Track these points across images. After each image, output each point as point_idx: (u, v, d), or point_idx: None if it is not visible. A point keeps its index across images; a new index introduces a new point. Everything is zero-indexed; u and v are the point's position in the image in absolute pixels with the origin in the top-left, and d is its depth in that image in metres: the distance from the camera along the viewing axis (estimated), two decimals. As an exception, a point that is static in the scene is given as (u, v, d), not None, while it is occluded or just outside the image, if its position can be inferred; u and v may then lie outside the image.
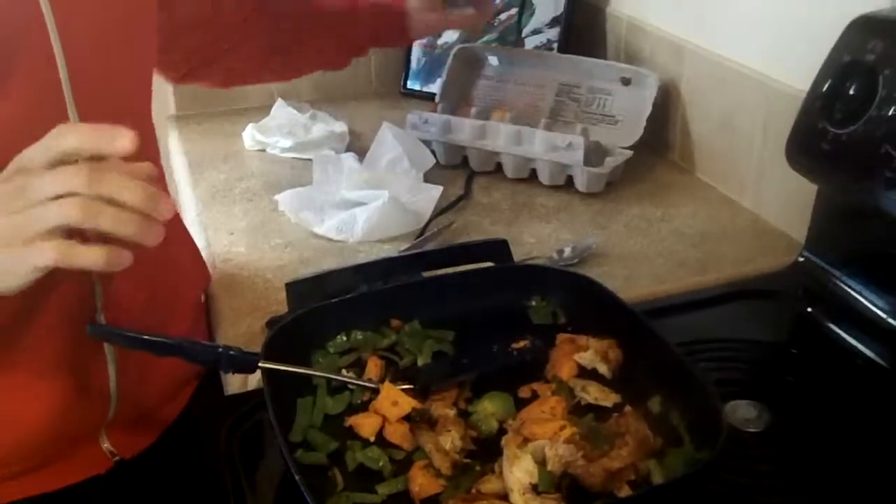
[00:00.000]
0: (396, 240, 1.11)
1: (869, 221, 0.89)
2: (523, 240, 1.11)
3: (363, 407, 0.75)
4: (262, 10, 1.12)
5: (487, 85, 1.45)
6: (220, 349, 0.74)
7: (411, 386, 0.76)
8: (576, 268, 1.02)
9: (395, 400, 0.73)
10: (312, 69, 1.28)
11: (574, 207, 1.20)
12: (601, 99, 1.35)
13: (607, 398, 0.74)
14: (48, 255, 0.58)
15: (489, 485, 0.66)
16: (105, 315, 0.80)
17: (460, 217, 1.18)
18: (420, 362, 0.81)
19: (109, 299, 0.80)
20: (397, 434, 0.71)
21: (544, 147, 1.22)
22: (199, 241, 1.15)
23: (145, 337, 0.72)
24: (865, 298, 0.90)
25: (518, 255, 0.98)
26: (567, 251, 1.06)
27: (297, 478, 0.62)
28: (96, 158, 0.59)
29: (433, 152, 1.30)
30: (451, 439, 0.70)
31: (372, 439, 0.72)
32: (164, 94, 1.51)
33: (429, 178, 1.24)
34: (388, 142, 1.27)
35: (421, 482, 0.66)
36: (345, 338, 0.82)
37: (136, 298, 0.83)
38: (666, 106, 1.31)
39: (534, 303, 0.87)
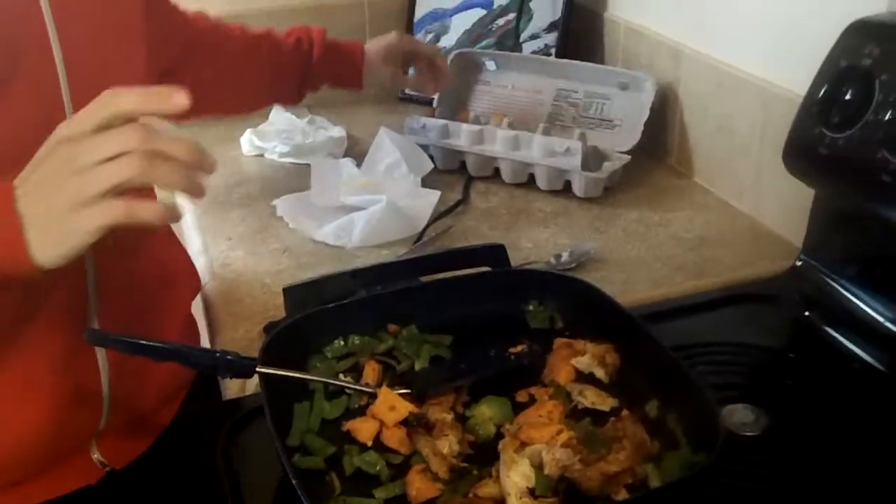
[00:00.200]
0: (394, 245, 1.11)
1: (866, 225, 0.89)
2: (521, 245, 1.11)
3: (360, 411, 0.75)
4: (216, 47, 1.16)
5: (485, 90, 1.45)
6: (218, 354, 0.73)
7: (409, 390, 0.76)
8: (574, 272, 1.02)
9: (392, 404, 0.73)
10: (262, 106, 1.34)
11: (572, 212, 1.20)
12: (599, 104, 1.36)
13: (604, 402, 0.74)
14: (113, 213, 0.60)
15: (486, 489, 0.66)
16: (98, 323, 0.80)
17: (458, 222, 1.18)
18: (417, 367, 0.81)
19: (102, 307, 0.79)
20: (395, 438, 0.71)
21: (542, 152, 1.22)
22: (197, 246, 1.15)
23: (142, 342, 0.71)
24: (863, 302, 0.89)
25: (516, 259, 0.98)
26: (565, 256, 1.06)
27: (294, 482, 0.62)
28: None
29: (431, 157, 1.30)
30: (448, 443, 0.70)
31: (369, 444, 0.71)
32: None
33: (427, 182, 1.25)
34: (386, 147, 1.27)
35: (418, 486, 0.66)
36: (342, 342, 0.82)
37: (129, 306, 0.82)
38: (664, 111, 1.32)
39: (531, 307, 0.87)
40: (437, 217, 1.17)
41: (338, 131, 1.42)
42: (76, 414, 0.80)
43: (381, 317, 0.84)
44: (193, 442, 0.85)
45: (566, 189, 1.24)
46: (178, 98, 0.60)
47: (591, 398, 0.74)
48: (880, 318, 0.87)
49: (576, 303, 0.85)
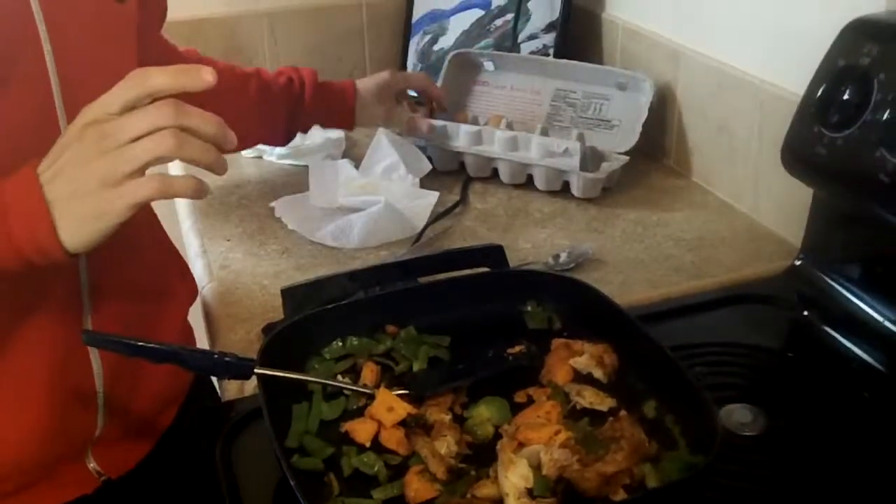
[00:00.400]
0: (393, 246, 1.11)
1: (865, 225, 0.89)
2: (519, 245, 1.11)
3: (359, 413, 0.75)
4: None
5: (483, 91, 1.45)
6: (216, 355, 0.74)
7: (407, 391, 0.76)
8: (572, 273, 1.02)
9: (390, 405, 0.73)
10: (248, 146, 1.32)
11: (570, 213, 1.20)
12: (597, 104, 1.36)
13: (602, 403, 0.74)
14: (147, 189, 0.61)
15: (485, 489, 0.65)
16: (93, 327, 0.79)
17: (456, 223, 1.18)
18: (416, 368, 0.80)
19: (96, 317, 0.79)
20: (393, 439, 0.71)
21: (540, 153, 1.22)
22: (196, 248, 1.15)
23: (139, 343, 0.71)
24: (862, 302, 0.89)
25: (514, 260, 0.98)
26: (563, 256, 1.06)
27: (292, 483, 0.62)
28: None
29: (429, 158, 1.30)
30: (446, 444, 0.70)
31: (368, 445, 0.71)
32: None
33: (425, 184, 1.25)
34: (385, 148, 1.27)
35: (416, 487, 0.66)
36: (340, 344, 0.82)
37: (123, 315, 0.82)
38: (662, 111, 1.32)
39: (529, 308, 0.87)
40: (435, 218, 1.17)
41: (336, 133, 1.41)
42: (70, 421, 0.79)
43: (379, 318, 0.84)
44: (191, 450, 0.85)
45: (564, 190, 1.24)
46: (207, 75, 0.61)
47: (589, 398, 0.74)
48: (879, 318, 0.87)
49: (574, 303, 0.85)
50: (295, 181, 1.29)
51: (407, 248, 1.10)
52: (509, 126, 1.30)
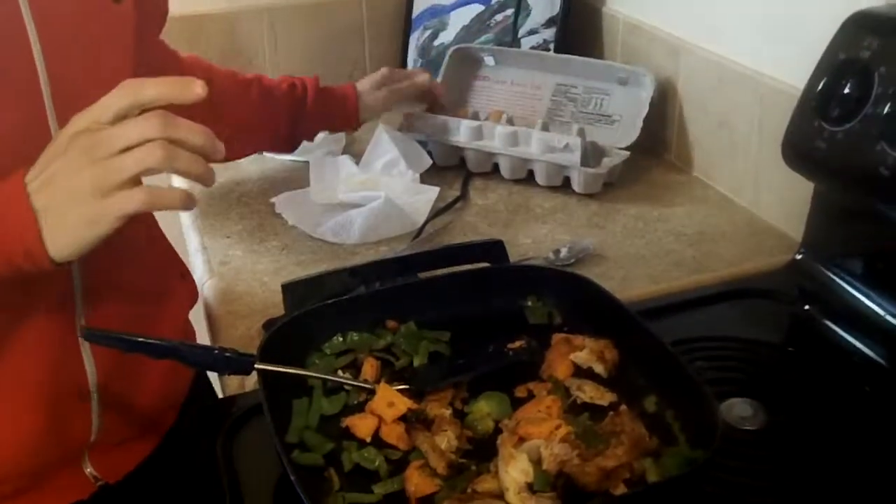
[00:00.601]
0: (393, 241, 1.11)
1: (866, 219, 0.89)
2: (520, 241, 1.11)
3: (359, 408, 0.75)
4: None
5: (484, 86, 1.45)
6: (216, 351, 0.74)
7: (407, 386, 0.75)
8: (572, 268, 1.02)
9: (391, 400, 0.73)
10: (252, 152, 1.30)
11: (571, 208, 1.20)
12: (598, 99, 1.35)
13: (603, 397, 0.74)
14: (135, 200, 0.61)
15: (485, 484, 0.65)
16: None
17: (457, 218, 1.18)
18: (416, 363, 0.80)
19: (91, 316, 0.78)
20: (393, 434, 0.71)
21: (541, 148, 1.22)
22: (196, 245, 1.15)
23: (139, 339, 0.71)
24: (863, 296, 0.89)
25: (515, 255, 0.98)
26: (564, 252, 1.06)
27: (293, 479, 0.62)
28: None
29: (430, 154, 1.30)
30: (447, 439, 0.70)
31: (368, 440, 0.71)
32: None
33: (425, 179, 1.25)
34: (385, 144, 1.27)
35: (417, 482, 0.66)
36: (341, 339, 0.82)
37: (120, 315, 0.81)
38: (663, 106, 1.31)
39: (530, 303, 0.87)
40: (435, 214, 1.17)
41: (336, 128, 1.41)
42: (65, 425, 0.78)
43: (379, 313, 0.84)
44: (189, 452, 0.85)
45: (565, 185, 1.24)
46: (198, 88, 0.61)
47: (589, 393, 0.74)
48: (880, 312, 0.87)
49: (574, 298, 0.85)
50: (295, 177, 1.29)
51: (407, 244, 1.10)
52: (510, 121, 1.30)
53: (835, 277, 0.93)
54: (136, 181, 0.62)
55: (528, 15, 1.51)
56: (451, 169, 1.31)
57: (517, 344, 0.82)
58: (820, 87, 0.88)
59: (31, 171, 0.64)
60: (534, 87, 1.40)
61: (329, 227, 1.12)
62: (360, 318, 0.83)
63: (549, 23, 1.50)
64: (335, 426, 0.73)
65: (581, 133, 1.24)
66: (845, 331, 0.88)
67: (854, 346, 0.86)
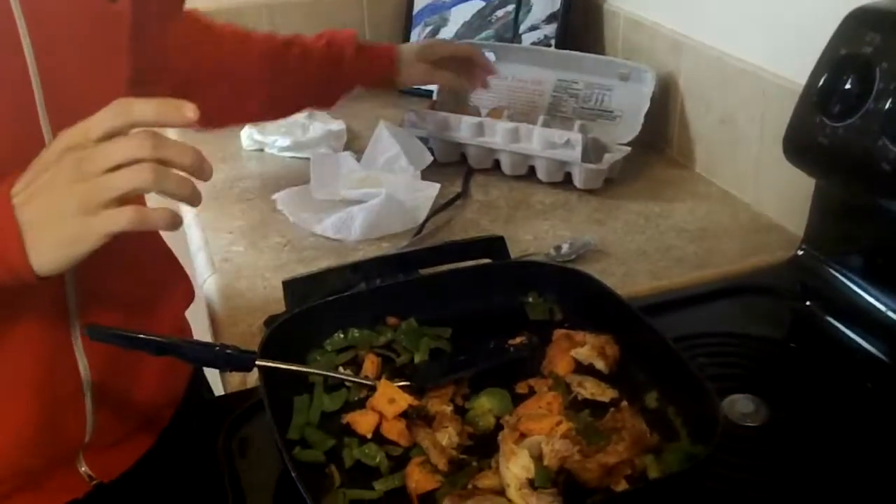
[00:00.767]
0: (394, 238, 1.11)
1: (867, 215, 0.89)
2: (521, 237, 1.11)
3: (360, 404, 0.75)
4: (235, 58, 1.15)
5: (485, 82, 1.44)
6: (217, 348, 0.73)
7: (408, 383, 0.76)
8: (574, 264, 1.02)
9: (391, 397, 0.73)
10: (293, 112, 1.30)
11: (572, 204, 1.20)
12: (599, 95, 1.35)
13: (604, 394, 0.74)
14: (122, 219, 0.61)
15: (486, 480, 0.65)
16: (80, 332, 0.77)
17: (458, 214, 1.18)
18: (417, 359, 0.80)
19: (84, 317, 0.77)
20: (394, 431, 0.71)
21: (542, 144, 1.22)
22: (198, 242, 1.15)
23: (142, 336, 0.71)
24: (865, 292, 0.89)
25: (516, 252, 0.98)
26: (565, 248, 1.06)
27: (294, 475, 0.62)
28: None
29: (431, 150, 1.30)
30: (447, 435, 0.70)
31: (369, 436, 0.71)
32: (162, 95, 1.51)
33: (426, 175, 1.24)
34: (386, 140, 1.27)
35: (418, 478, 0.66)
36: (342, 335, 0.82)
37: (115, 314, 0.80)
38: (664, 101, 1.31)
39: (531, 299, 0.87)
40: (436, 210, 1.17)
41: (337, 125, 1.41)
42: (58, 426, 0.77)
43: (380, 310, 0.84)
44: (186, 450, 0.84)
45: (566, 181, 1.24)
46: (189, 111, 0.61)
47: (590, 389, 0.74)
48: (882, 308, 0.87)
49: (575, 294, 0.85)
50: (296, 174, 1.29)
51: (408, 240, 1.10)
52: (511, 117, 1.30)
53: (836, 273, 0.92)
54: (122, 200, 0.61)
55: (528, 11, 1.51)
56: (452, 165, 1.31)
57: (518, 340, 0.82)
58: (821, 82, 0.88)
59: (18, 184, 0.63)
60: (535, 83, 1.40)
61: (330, 223, 1.12)
62: (361, 314, 0.83)
63: (550, 18, 1.50)
64: (336, 423, 0.73)
65: (582, 129, 1.23)
66: (847, 327, 0.88)
67: (856, 342, 0.86)
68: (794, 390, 0.79)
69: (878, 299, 0.88)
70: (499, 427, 0.71)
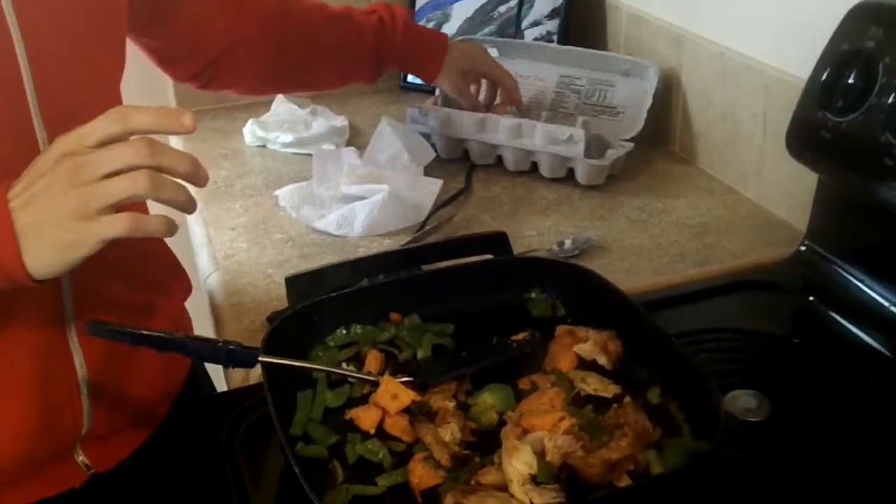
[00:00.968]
0: (397, 234, 1.11)
1: (870, 210, 0.88)
2: (524, 233, 1.11)
3: (363, 400, 0.75)
4: (283, 26, 1.13)
5: (487, 78, 1.44)
6: (220, 344, 0.74)
7: (411, 379, 0.76)
8: (576, 260, 1.02)
9: (394, 393, 0.73)
10: (337, 86, 1.29)
11: (575, 200, 1.20)
12: (602, 90, 1.35)
13: (606, 389, 0.74)
14: (118, 226, 0.61)
15: (489, 476, 0.65)
16: (76, 329, 0.78)
17: (461, 211, 1.18)
18: (420, 356, 0.80)
19: (81, 312, 0.78)
20: (397, 427, 0.71)
21: (545, 140, 1.22)
22: (200, 238, 1.15)
23: (145, 332, 0.71)
24: (867, 288, 0.89)
25: (519, 248, 0.98)
26: (567, 244, 1.06)
27: (297, 471, 0.62)
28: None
29: (433, 146, 1.30)
30: (450, 431, 0.70)
31: (372, 432, 0.71)
32: (164, 92, 1.51)
33: (429, 171, 1.24)
34: (388, 136, 1.27)
35: (421, 474, 0.66)
36: (344, 331, 0.82)
37: (112, 310, 0.80)
38: (667, 97, 1.31)
39: (533, 295, 0.87)
40: (439, 206, 1.17)
41: (340, 121, 1.41)
42: (55, 419, 0.78)
43: (383, 306, 0.84)
44: (184, 443, 0.84)
45: (569, 177, 1.24)
46: (186, 121, 0.62)
47: (593, 385, 0.74)
48: (885, 303, 0.87)
49: (578, 290, 0.85)
50: (299, 170, 1.29)
51: (411, 236, 1.10)
52: (513, 113, 1.30)
53: (839, 269, 0.92)
54: (118, 206, 0.62)
55: (531, 6, 1.50)
56: (455, 161, 1.31)
57: (521, 336, 0.82)
58: (824, 77, 0.88)
59: (14, 188, 0.63)
60: (537, 79, 1.40)
61: (333, 219, 1.12)
62: (364, 310, 0.83)
63: (553, 14, 1.49)
64: (339, 419, 0.73)
65: (585, 125, 1.23)
66: (850, 322, 0.88)
67: (858, 338, 0.86)
68: (796, 386, 0.79)
69: (881, 295, 0.88)
70: (501, 423, 0.71)
